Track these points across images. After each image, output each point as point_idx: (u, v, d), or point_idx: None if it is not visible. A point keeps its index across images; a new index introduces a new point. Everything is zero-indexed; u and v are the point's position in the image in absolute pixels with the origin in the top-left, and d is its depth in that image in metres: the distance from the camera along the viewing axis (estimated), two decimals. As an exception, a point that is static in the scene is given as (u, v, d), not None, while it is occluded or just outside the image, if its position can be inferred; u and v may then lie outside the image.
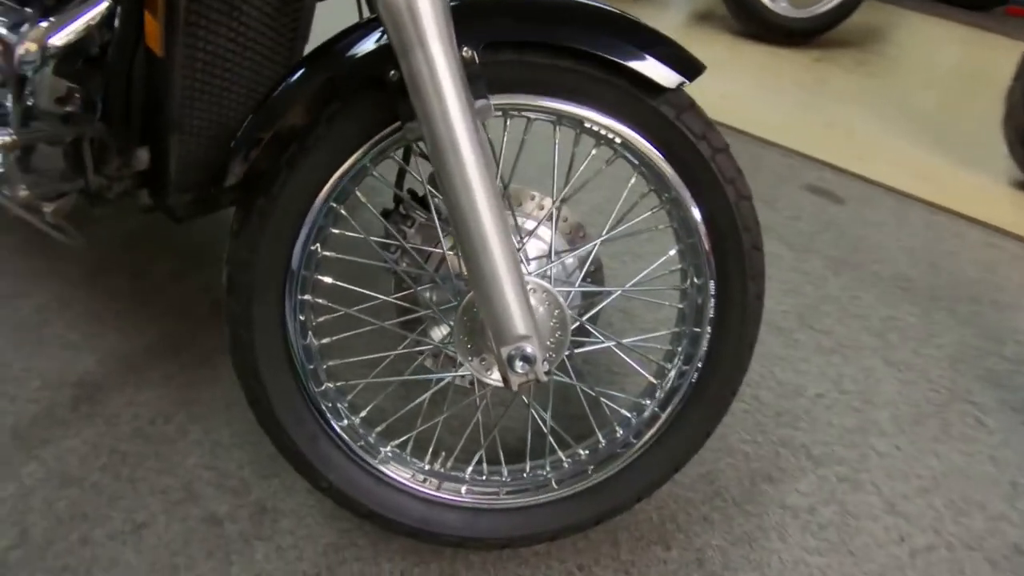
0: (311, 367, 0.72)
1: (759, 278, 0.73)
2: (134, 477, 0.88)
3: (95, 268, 1.18)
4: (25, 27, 0.70)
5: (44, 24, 0.70)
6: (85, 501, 0.85)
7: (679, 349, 0.78)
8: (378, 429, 0.79)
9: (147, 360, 1.03)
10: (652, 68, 0.62)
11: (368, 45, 0.61)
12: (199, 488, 0.88)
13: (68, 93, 0.75)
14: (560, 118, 0.66)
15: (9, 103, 0.72)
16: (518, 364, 0.61)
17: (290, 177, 0.62)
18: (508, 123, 0.69)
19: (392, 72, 0.56)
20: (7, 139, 0.69)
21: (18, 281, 1.14)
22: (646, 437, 0.79)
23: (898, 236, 1.44)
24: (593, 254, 0.82)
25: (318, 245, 0.69)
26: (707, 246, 0.70)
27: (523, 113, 0.66)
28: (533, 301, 0.69)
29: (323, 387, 0.74)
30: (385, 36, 0.57)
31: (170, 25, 0.66)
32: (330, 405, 0.74)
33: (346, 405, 0.77)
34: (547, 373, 0.66)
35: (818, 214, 1.49)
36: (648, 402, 0.80)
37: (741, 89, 1.91)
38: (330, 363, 0.75)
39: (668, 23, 2.24)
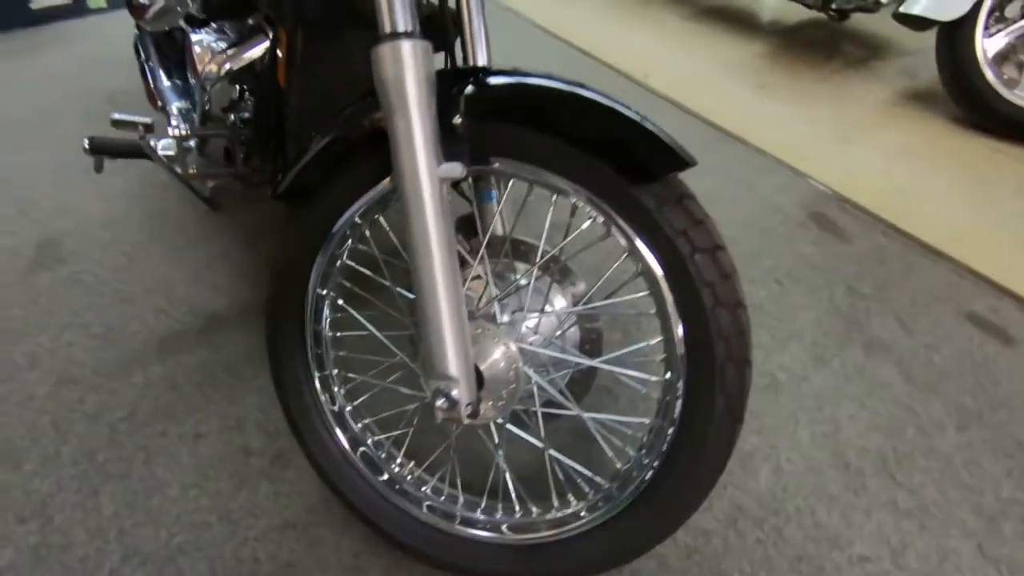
0: (319, 352, 0.86)
1: (736, 396, 0.67)
2: (213, 398, 1.13)
3: (255, 236, 1.51)
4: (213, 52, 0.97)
5: (227, 52, 0.96)
6: (177, 405, 1.12)
7: (644, 438, 0.75)
8: (364, 421, 0.90)
9: (259, 314, 1.29)
10: (635, 157, 0.63)
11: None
12: (247, 423, 1.08)
13: (232, 104, 1.00)
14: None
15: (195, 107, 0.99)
16: (440, 401, 0.67)
17: (313, 206, 0.76)
18: (510, 183, 0.74)
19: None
20: (182, 131, 0.96)
21: (207, 232, 1.50)
22: (595, 515, 0.77)
23: (1080, 406, 1.12)
24: (595, 322, 0.83)
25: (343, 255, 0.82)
26: (680, 347, 0.67)
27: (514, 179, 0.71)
28: (497, 353, 0.73)
29: (326, 372, 0.87)
30: None
31: (289, 66, 0.86)
32: (330, 390, 0.88)
33: (342, 392, 0.89)
34: (502, 422, 0.70)
35: (968, 350, 1.22)
36: (606, 483, 0.79)
37: (931, 186, 1.64)
38: (338, 353, 0.88)
39: (874, 98, 2.00)
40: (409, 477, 0.89)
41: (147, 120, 0.91)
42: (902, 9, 1.78)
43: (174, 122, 1.00)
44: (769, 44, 2.33)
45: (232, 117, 1.01)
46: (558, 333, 0.79)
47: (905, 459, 1.04)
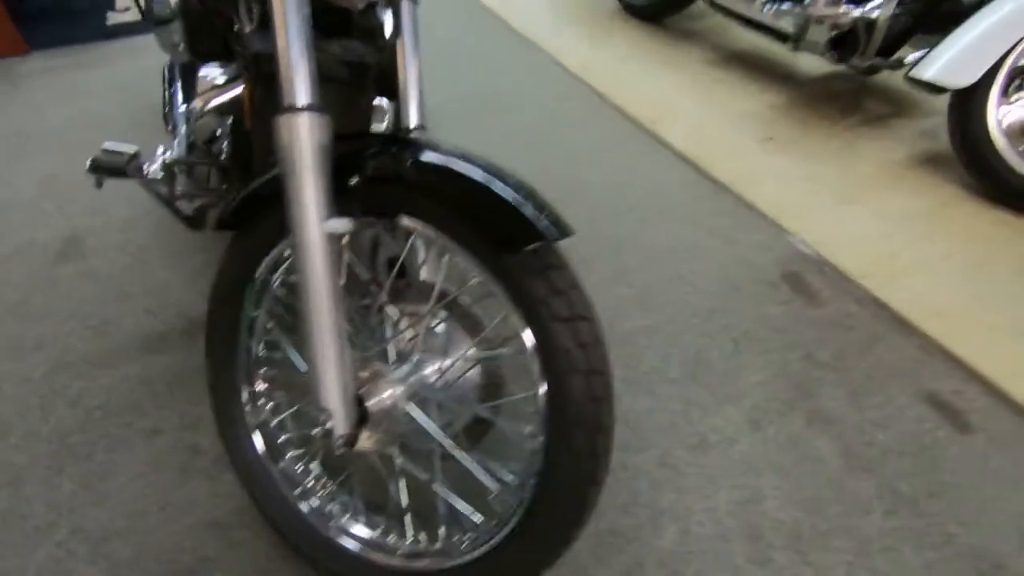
0: (248, 367, 0.95)
1: (587, 459, 0.71)
2: (179, 397, 1.24)
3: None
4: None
5: (212, 89, 1.08)
6: (146, 400, 1.24)
7: (515, 487, 0.80)
8: (286, 436, 0.98)
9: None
10: (502, 230, 0.69)
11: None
12: (203, 424, 1.19)
13: (215, 137, 1.12)
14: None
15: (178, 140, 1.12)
16: (317, 430, 0.74)
17: (249, 236, 0.85)
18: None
19: None
20: (167, 158, 1.09)
21: (205, 242, 1.64)
22: (474, 551, 0.82)
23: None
24: (498, 368, 0.88)
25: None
26: (541, 405, 0.72)
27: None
28: (385, 391, 0.80)
29: (253, 387, 0.96)
30: None
31: (252, 110, 0.96)
32: (255, 403, 0.96)
33: (268, 407, 0.98)
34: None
35: (918, 433, 1.19)
36: (480, 521, 0.83)
37: (924, 255, 1.59)
38: (267, 370, 0.97)
39: (885, 158, 1.95)
40: (320, 493, 0.97)
41: (133, 150, 1.04)
42: (912, 73, 1.75)
43: (163, 148, 1.13)
44: (787, 95, 2.31)
45: (214, 148, 1.13)
46: (446, 377, 0.85)
47: (820, 537, 1.03)
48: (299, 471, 0.97)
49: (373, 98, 1.01)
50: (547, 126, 2.14)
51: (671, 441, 1.18)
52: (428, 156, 0.74)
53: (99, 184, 1.15)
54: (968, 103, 1.71)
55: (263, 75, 0.94)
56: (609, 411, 0.72)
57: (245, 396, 0.95)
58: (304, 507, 0.94)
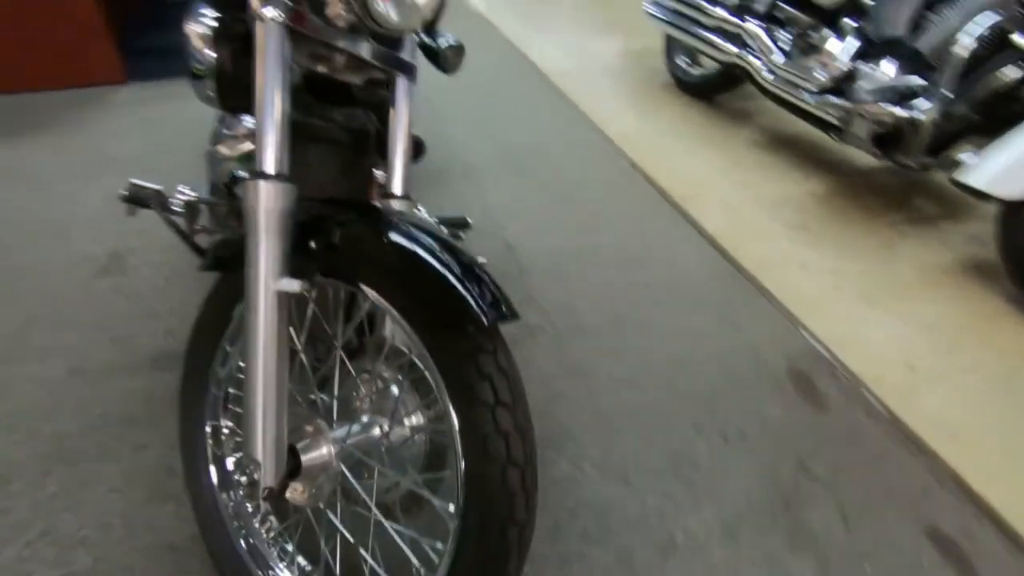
0: (216, 401, 1.00)
1: (504, 554, 0.69)
2: (171, 416, 1.31)
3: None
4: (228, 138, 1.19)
5: (229, 138, 1.18)
6: (141, 415, 1.31)
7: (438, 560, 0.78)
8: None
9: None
10: (441, 304, 0.71)
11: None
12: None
13: (232, 180, 1.22)
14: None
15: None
16: (243, 478, 0.76)
17: (228, 278, 0.91)
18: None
19: None
20: (187, 196, 1.19)
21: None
22: None
23: None
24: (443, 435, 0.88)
25: None
26: (460, 481, 0.72)
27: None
28: (322, 449, 0.82)
29: (217, 422, 1.00)
30: None
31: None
32: (217, 437, 1.00)
33: (231, 444, 1.01)
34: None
35: (912, 570, 1.08)
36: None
37: (949, 369, 1.47)
38: (233, 407, 1.01)
39: (925, 261, 1.85)
40: (261, 535, 0.98)
41: (157, 188, 1.14)
42: (958, 177, 1.67)
43: (187, 187, 1.23)
44: (830, 184, 2.25)
45: (234, 190, 1.22)
46: (389, 441, 0.85)
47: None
48: (247, 509, 0.99)
49: (374, 164, 1.07)
50: (574, 189, 2.17)
51: (636, 537, 1.12)
52: (388, 228, 0.77)
53: (131, 212, 1.26)
54: (1019, 214, 1.61)
55: None
56: (526, 505, 0.70)
57: (209, 429, 0.99)
58: (243, 544, 0.95)
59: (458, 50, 1.04)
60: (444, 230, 0.82)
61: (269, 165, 0.73)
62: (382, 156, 1.06)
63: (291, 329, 0.91)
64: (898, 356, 1.52)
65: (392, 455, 0.86)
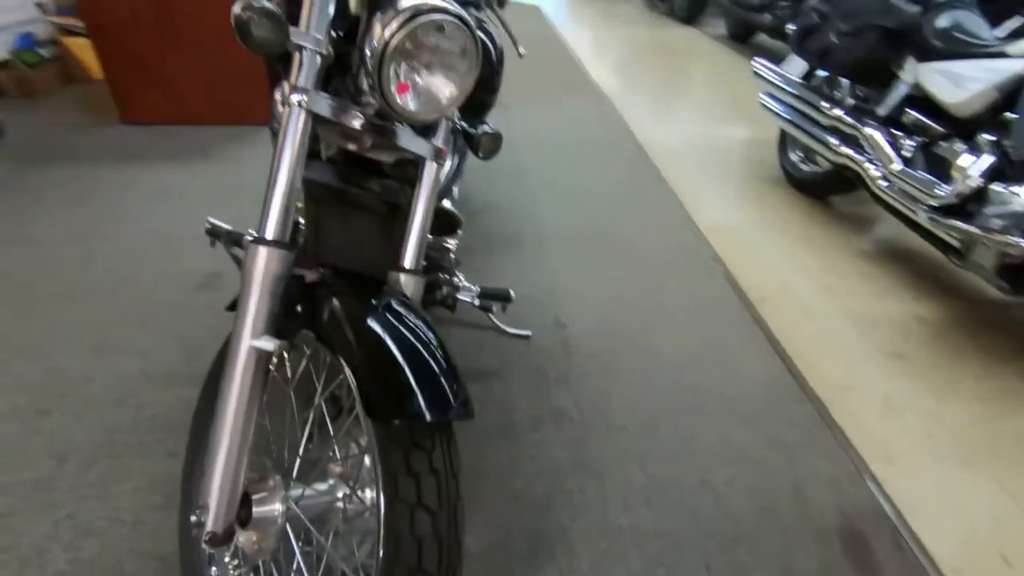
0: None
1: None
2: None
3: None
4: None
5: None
6: (182, 425, 1.43)
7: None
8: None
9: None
10: (389, 393, 0.71)
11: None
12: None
13: (294, 226, 1.33)
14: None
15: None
16: (193, 518, 0.80)
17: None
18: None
19: None
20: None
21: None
22: None
23: None
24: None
25: None
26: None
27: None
28: (274, 504, 0.84)
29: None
30: None
31: (312, 220, 1.13)
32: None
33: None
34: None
35: None
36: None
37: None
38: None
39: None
40: (230, 571, 1.01)
41: (228, 227, 1.28)
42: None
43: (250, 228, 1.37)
44: (943, 310, 1.96)
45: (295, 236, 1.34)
46: (345, 511, 0.86)
47: None
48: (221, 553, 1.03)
49: (402, 236, 1.12)
50: (644, 274, 2.10)
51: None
52: (371, 307, 0.80)
53: (212, 243, 1.42)
54: None
55: (316, 199, 1.12)
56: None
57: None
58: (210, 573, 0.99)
59: (495, 138, 1.07)
60: (427, 318, 0.83)
61: (270, 231, 0.80)
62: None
63: (284, 381, 0.96)
64: (991, 542, 1.25)
65: (347, 526, 0.86)
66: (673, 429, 1.49)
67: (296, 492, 0.85)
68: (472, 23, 0.83)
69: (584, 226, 2.39)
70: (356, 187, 1.07)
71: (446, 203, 1.33)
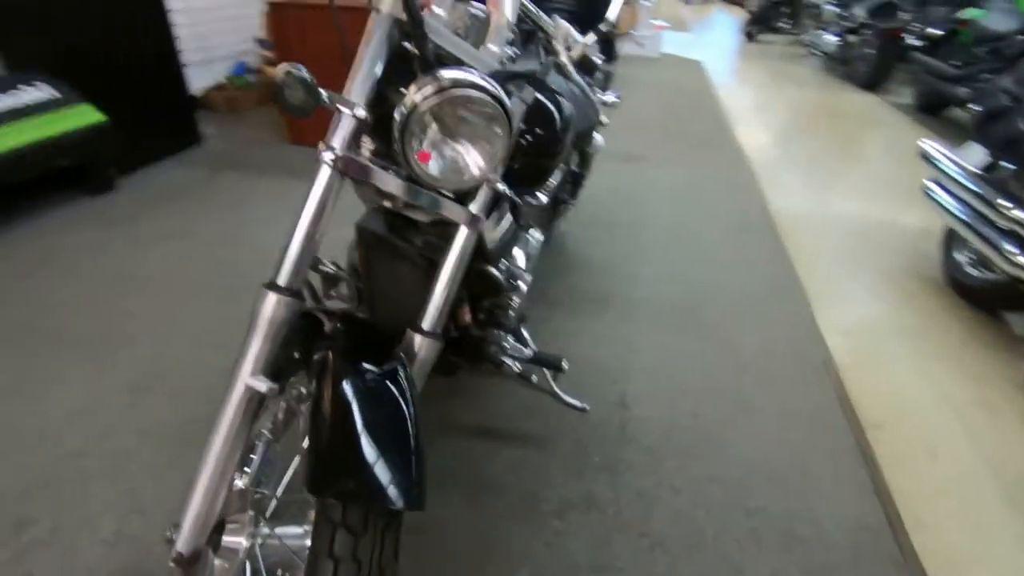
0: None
1: None
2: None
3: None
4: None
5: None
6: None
7: None
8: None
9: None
10: (332, 465, 0.69)
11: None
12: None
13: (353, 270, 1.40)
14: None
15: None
16: (168, 533, 0.84)
17: None
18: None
19: None
20: (328, 269, 1.40)
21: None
22: None
23: None
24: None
25: None
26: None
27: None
28: (242, 534, 0.86)
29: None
30: None
31: (364, 268, 1.18)
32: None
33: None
34: None
35: None
36: None
37: None
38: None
39: None
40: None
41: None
42: None
43: (330, 261, 1.45)
44: None
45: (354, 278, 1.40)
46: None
47: None
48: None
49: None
50: (734, 366, 1.86)
51: None
52: (352, 369, 0.79)
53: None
54: None
55: (370, 251, 1.16)
56: None
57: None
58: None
59: (539, 210, 1.03)
60: (413, 394, 0.80)
61: (281, 278, 0.84)
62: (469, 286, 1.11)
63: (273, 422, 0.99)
64: None
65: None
66: (719, 558, 1.28)
67: (264, 531, 0.87)
68: (506, 101, 0.81)
69: (681, 297, 2.21)
70: (401, 239, 1.10)
71: (502, 265, 1.30)
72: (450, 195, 0.95)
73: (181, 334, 1.87)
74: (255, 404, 0.84)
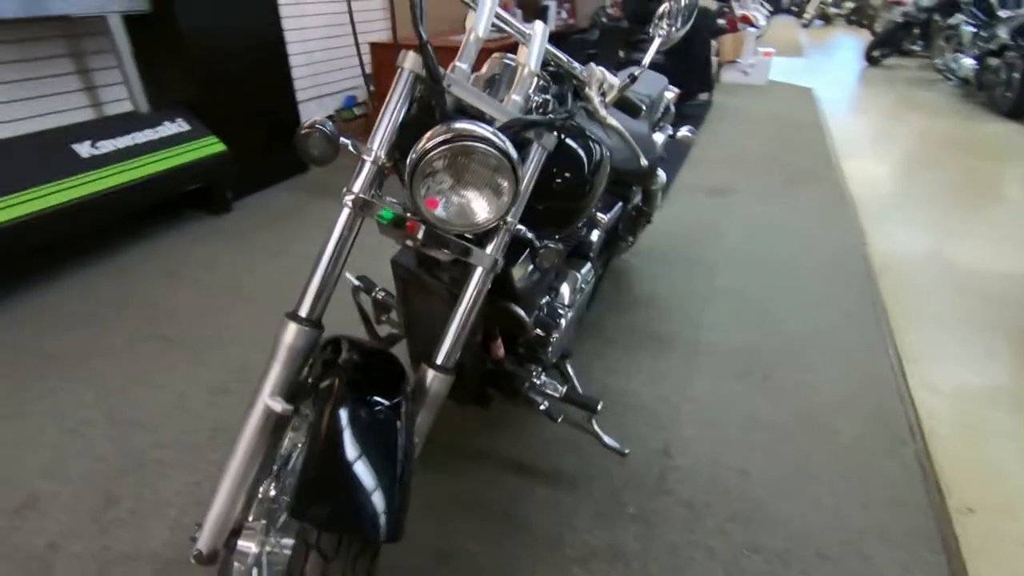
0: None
1: None
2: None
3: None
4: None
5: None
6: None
7: None
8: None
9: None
10: (309, 490, 0.74)
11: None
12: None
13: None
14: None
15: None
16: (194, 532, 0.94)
17: None
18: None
19: None
20: (381, 295, 1.49)
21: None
22: None
23: None
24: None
25: None
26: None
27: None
28: (252, 542, 0.94)
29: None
30: None
31: (402, 299, 1.25)
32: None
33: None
34: None
35: None
36: None
37: None
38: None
39: None
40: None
41: (357, 282, 1.48)
42: None
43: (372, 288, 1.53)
44: None
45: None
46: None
47: None
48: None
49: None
50: (800, 422, 1.71)
51: None
52: (351, 398, 0.85)
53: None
54: None
55: (399, 276, 1.23)
56: None
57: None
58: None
59: (556, 252, 1.04)
60: (407, 431, 0.84)
61: (303, 310, 0.92)
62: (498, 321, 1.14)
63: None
64: None
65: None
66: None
67: (272, 540, 0.94)
68: (511, 153, 0.83)
69: (749, 343, 2.08)
70: (428, 274, 1.15)
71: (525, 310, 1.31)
72: (469, 236, 0.99)
73: (266, 343, 2.07)
74: (271, 422, 0.92)
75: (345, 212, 0.91)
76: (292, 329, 0.91)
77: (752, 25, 9.78)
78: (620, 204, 1.84)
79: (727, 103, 5.81)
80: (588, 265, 1.70)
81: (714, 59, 6.71)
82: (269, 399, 0.91)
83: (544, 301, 1.49)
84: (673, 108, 2.30)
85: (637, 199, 2.09)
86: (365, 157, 0.90)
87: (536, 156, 0.99)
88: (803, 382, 1.89)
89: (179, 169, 2.75)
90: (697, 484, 1.52)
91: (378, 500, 0.74)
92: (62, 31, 2.68)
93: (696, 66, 4.84)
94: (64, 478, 1.52)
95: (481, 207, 0.88)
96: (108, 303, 2.28)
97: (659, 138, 2.13)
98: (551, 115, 1.00)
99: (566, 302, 1.55)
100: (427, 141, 0.84)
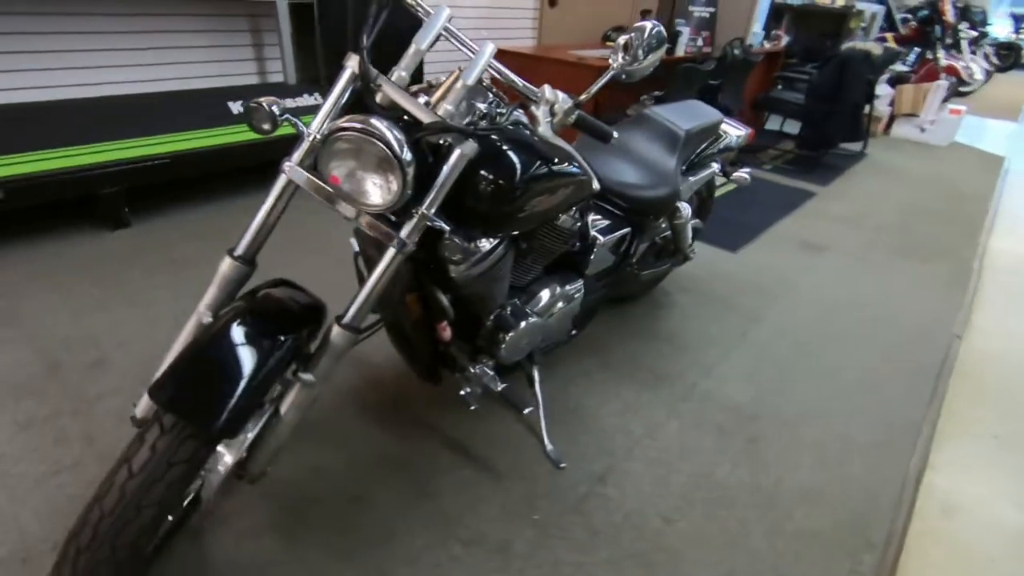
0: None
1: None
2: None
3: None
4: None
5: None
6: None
7: None
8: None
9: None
10: (164, 380, 0.95)
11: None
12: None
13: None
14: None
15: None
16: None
17: None
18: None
19: None
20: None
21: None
22: None
23: None
24: None
25: None
26: None
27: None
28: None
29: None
30: None
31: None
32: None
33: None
34: None
35: None
36: None
37: None
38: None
39: None
40: None
41: (357, 249, 1.69)
42: None
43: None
44: None
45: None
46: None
47: None
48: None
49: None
50: (748, 513, 1.59)
51: None
52: (248, 322, 1.04)
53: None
54: None
55: (359, 238, 1.41)
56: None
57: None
58: None
59: (456, 247, 1.14)
60: (271, 363, 1.02)
61: (239, 249, 1.14)
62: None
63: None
64: None
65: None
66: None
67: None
68: (395, 147, 0.97)
69: (749, 406, 1.95)
70: (374, 245, 1.32)
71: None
72: (391, 218, 1.13)
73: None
74: (201, 329, 1.16)
75: (282, 178, 1.11)
76: (227, 263, 1.13)
77: (959, 78, 8.53)
78: (628, 229, 1.84)
79: (884, 158, 5.20)
80: (579, 281, 1.75)
81: (887, 109, 6.04)
82: (202, 311, 1.14)
83: (511, 301, 1.58)
84: (735, 146, 2.21)
85: (662, 231, 2.06)
86: (306, 134, 1.09)
87: (455, 159, 1.10)
88: (784, 460, 1.74)
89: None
90: (614, 516, 1.51)
91: (218, 402, 0.93)
92: (245, 11, 3.30)
93: (842, 112, 4.42)
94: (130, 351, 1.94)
95: (375, 192, 1.03)
96: (216, 229, 2.79)
97: (696, 175, 2.08)
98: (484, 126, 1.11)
99: (537, 308, 1.62)
100: (340, 123, 1.00)
